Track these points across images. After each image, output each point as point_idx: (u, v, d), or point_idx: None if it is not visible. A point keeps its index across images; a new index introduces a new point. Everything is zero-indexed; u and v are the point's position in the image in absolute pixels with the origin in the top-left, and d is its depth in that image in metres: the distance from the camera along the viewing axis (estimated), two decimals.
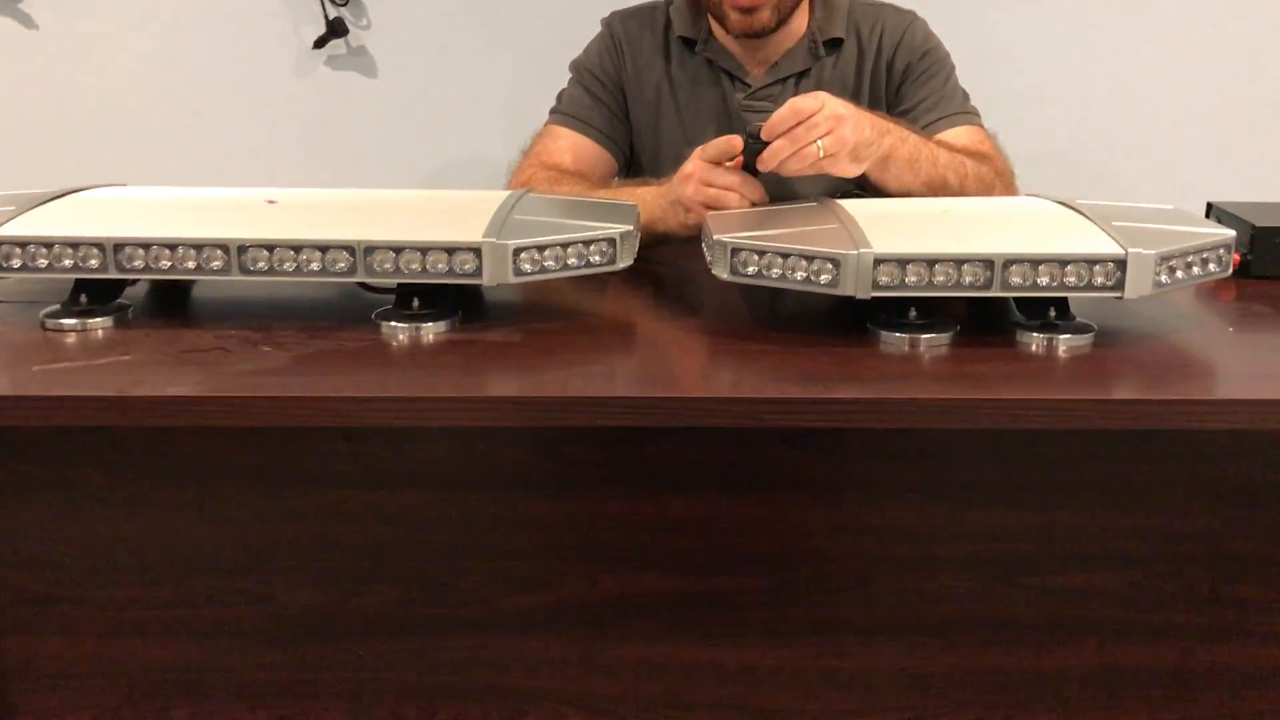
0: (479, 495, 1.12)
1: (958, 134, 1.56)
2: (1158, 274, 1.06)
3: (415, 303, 1.13)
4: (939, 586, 1.12)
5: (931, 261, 1.05)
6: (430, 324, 1.11)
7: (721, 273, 1.11)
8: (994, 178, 1.49)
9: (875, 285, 1.05)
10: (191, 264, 1.10)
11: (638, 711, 1.16)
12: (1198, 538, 1.11)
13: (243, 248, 1.09)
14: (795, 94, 1.41)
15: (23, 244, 1.10)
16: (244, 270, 1.10)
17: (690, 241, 1.36)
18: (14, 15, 2.25)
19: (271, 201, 1.21)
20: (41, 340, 1.10)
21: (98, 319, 1.13)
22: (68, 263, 1.11)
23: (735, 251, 1.09)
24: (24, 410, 0.98)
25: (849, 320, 1.14)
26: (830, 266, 1.06)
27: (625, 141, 1.70)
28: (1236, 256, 1.21)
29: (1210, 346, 1.15)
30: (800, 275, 1.07)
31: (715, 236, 1.11)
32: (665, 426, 1.05)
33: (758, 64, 1.65)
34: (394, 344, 1.09)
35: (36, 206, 1.18)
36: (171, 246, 1.10)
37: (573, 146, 1.65)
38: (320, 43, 2.25)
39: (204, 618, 1.14)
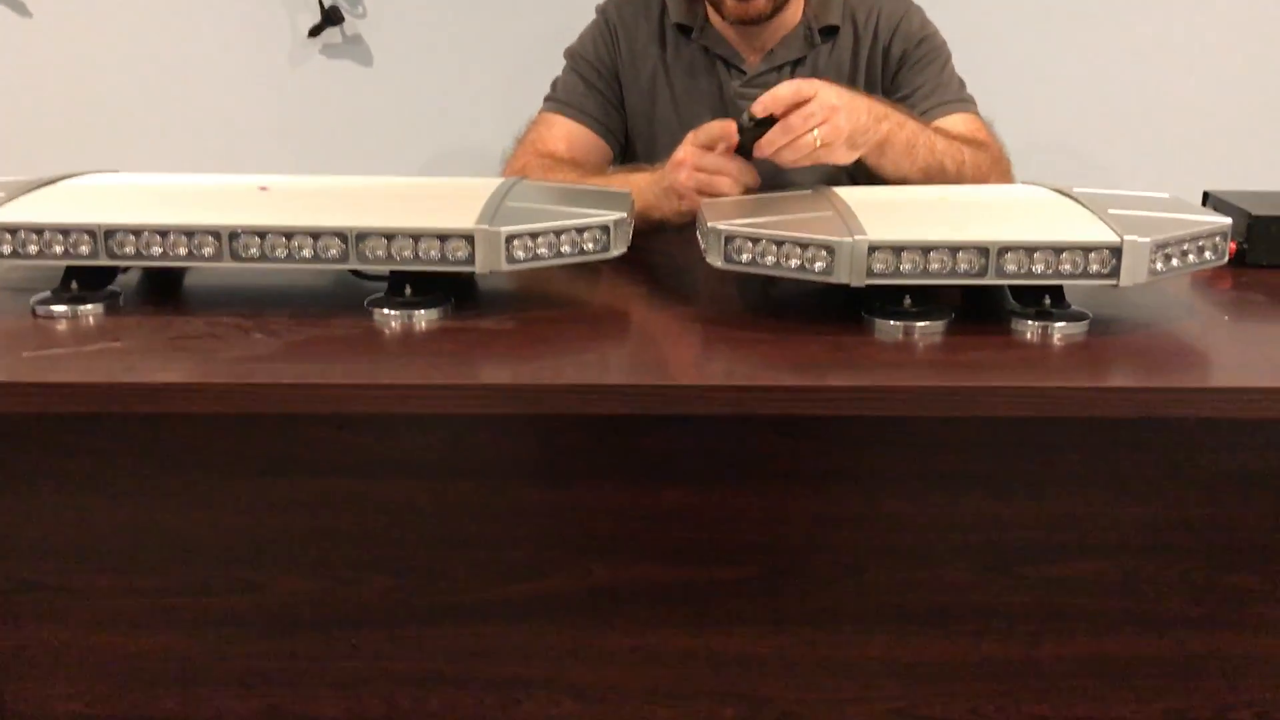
0: (472, 484, 1.11)
1: (954, 121, 1.56)
2: (1153, 262, 1.06)
3: (408, 290, 1.12)
4: (932, 575, 1.12)
5: (926, 249, 1.05)
6: (423, 311, 1.11)
7: (715, 260, 1.10)
8: (991, 165, 1.49)
9: (870, 272, 1.05)
10: (183, 250, 1.09)
11: (631, 700, 1.15)
12: (1193, 526, 1.11)
13: (234, 234, 1.08)
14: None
15: (13, 230, 1.10)
16: (235, 257, 1.09)
17: (685, 229, 1.35)
18: (7, 2, 2.25)
19: (264, 188, 1.21)
20: (32, 327, 1.10)
21: (89, 306, 1.13)
22: (58, 249, 1.10)
23: (729, 239, 1.09)
24: (14, 397, 0.97)
25: (843, 308, 1.14)
26: (825, 254, 1.05)
27: (620, 129, 1.69)
28: (1233, 245, 1.20)
29: (1206, 335, 1.14)
30: (794, 263, 1.07)
31: (709, 224, 1.10)
32: (658, 415, 1.05)
33: (753, 51, 1.64)
34: (386, 331, 1.09)
35: (27, 193, 1.18)
36: (163, 233, 1.09)
37: (567, 134, 1.64)
38: (315, 31, 2.25)
39: (195, 606, 1.14)
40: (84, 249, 1.10)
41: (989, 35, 2.17)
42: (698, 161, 1.31)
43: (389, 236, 1.07)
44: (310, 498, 1.11)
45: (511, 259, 1.08)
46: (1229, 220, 1.13)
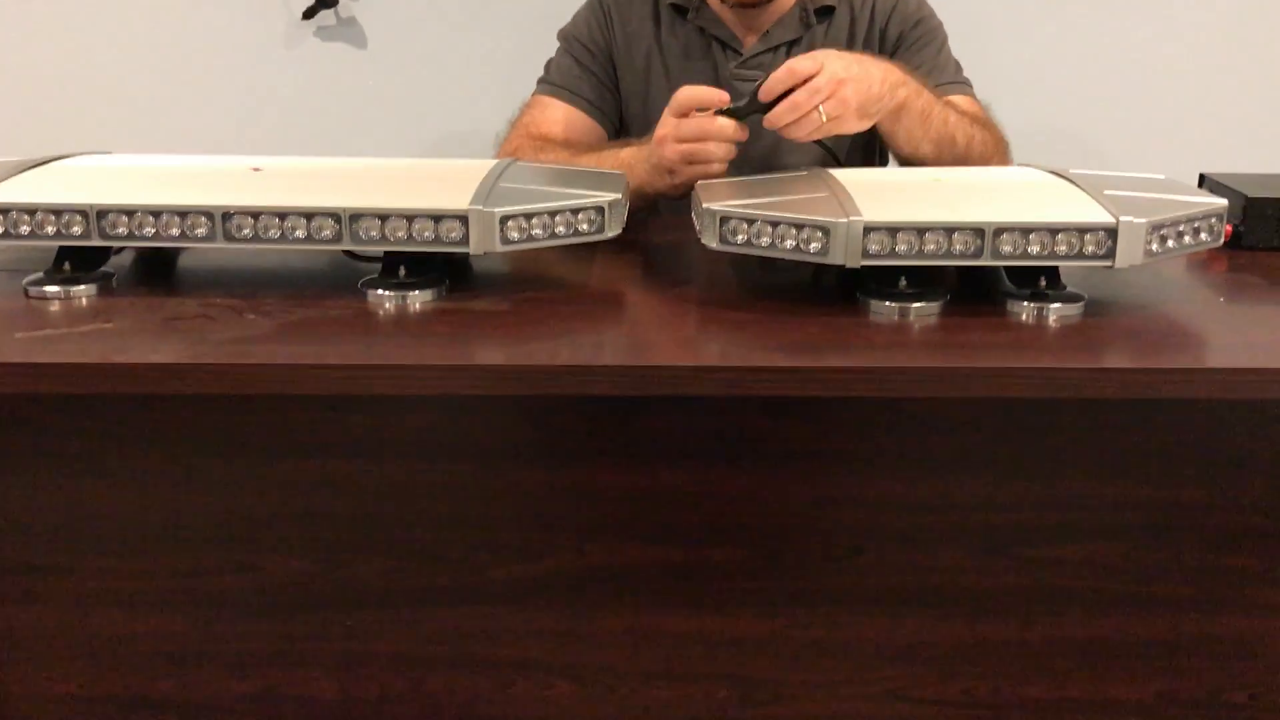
0: (466, 465, 1.11)
1: (954, 102, 1.55)
2: (1149, 243, 1.05)
3: (402, 271, 1.12)
4: (928, 557, 1.12)
5: (922, 230, 1.04)
6: (417, 293, 1.10)
7: (710, 241, 1.10)
8: (994, 146, 1.49)
9: (865, 254, 1.05)
10: (176, 231, 1.09)
11: (625, 681, 1.16)
12: (1188, 508, 1.11)
13: (227, 214, 1.08)
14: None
15: (5, 210, 1.09)
16: (228, 237, 1.08)
17: (681, 211, 1.35)
18: None
19: (257, 169, 1.20)
20: (24, 308, 1.09)
21: (81, 287, 1.12)
22: (51, 230, 1.09)
23: (724, 220, 1.09)
24: (6, 378, 0.97)
25: (839, 289, 1.14)
26: (820, 235, 1.05)
27: (614, 111, 1.69)
28: (1229, 228, 1.20)
29: (1201, 316, 1.14)
30: (790, 244, 1.07)
31: (704, 205, 1.10)
32: (653, 396, 1.05)
33: (750, 32, 1.63)
34: (380, 313, 1.09)
35: (19, 173, 1.17)
36: (156, 213, 1.08)
37: (561, 117, 1.64)
38: (309, 14, 2.24)
39: (190, 588, 1.13)
40: (76, 229, 1.09)
41: (986, 18, 2.16)
42: (677, 132, 1.31)
43: (383, 217, 1.07)
44: (304, 479, 1.11)
45: (506, 240, 1.08)
46: (1225, 202, 1.13)
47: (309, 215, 1.07)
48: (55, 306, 1.10)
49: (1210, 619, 1.14)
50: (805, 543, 1.12)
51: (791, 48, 1.62)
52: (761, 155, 1.57)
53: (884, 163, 1.74)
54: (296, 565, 1.13)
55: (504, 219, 1.07)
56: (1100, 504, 1.11)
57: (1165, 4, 2.22)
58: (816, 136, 1.27)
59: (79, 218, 1.09)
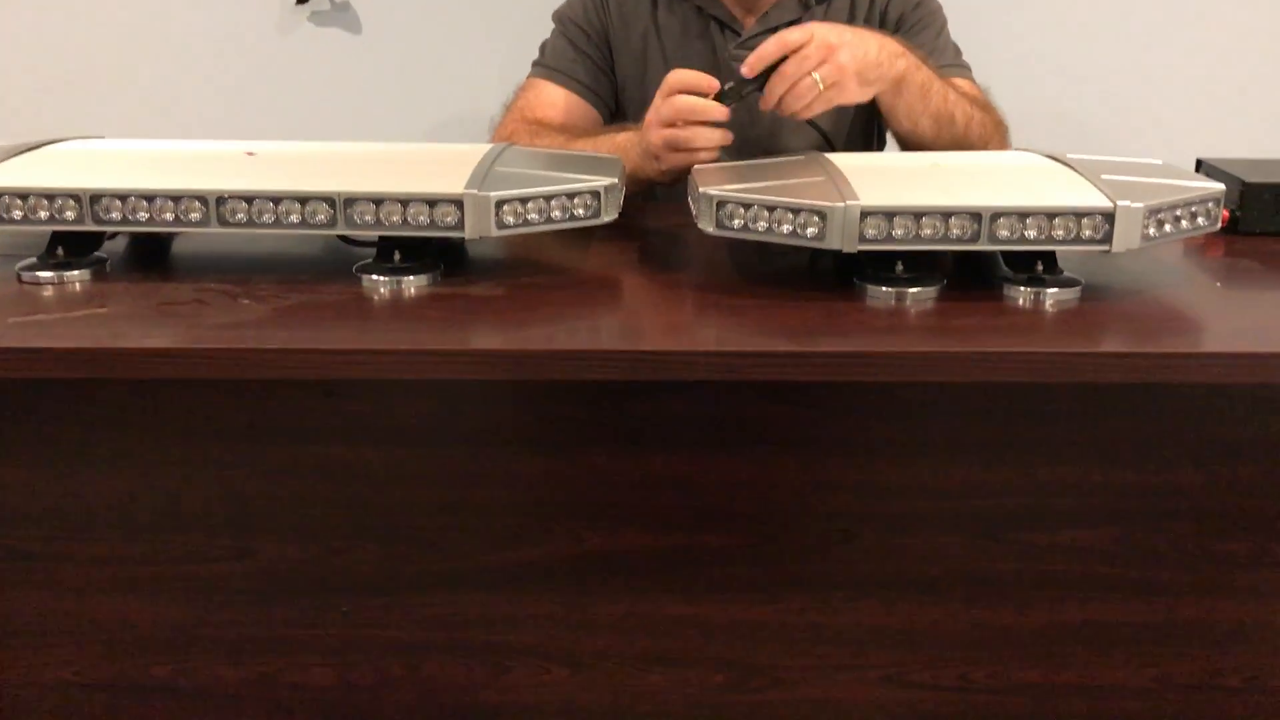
0: (462, 450, 1.11)
1: (953, 83, 1.54)
2: (1146, 227, 1.05)
3: (396, 256, 1.12)
4: (923, 542, 1.12)
5: (918, 214, 1.04)
6: (412, 277, 1.10)
7: (707, 226, 1.09)
8: (993, 128, 1.49)
9: (862, 238, 1.04)
10: (169, 215, 1.08)
11: (621, 667, 1.16)
12: (1183, 493, 1.11)
13: (221, 199, 1.07)
14: None
15: None
16: (222, 222, 1.08)
17: (678, 195, 1.34)
18: None
19: (251, 154, 1.20)
20: (17, 293, 1.09)
21: (75, 272, 1.12)
22: (44, 215, 1.09)
23: (721, 205, 1.08)
24: (0, 363, 0.96)
25: (836, 274, 1.13)
26: (817, 219, 1.05)
27: (610, 94, 1.68)
28: (1225, 213, 1.20)
29: (1198, 301, 1.14)
30: (786, 228, 1.06)
31: (700, 189, 1.09)
32: (650, 381, 1.05)
33: (748, 13, 1.62)
34: (375, 297, 1.08)
35: (11, 158, 1.16)
36: (149, 198, 1.08)
37: (556, 101, 1.63)
38: None
39: (186, 574, 1.13)
40: (70, 214, 1.09)
41: (985, 2, 2.16)
42: (659, 115, 1.30)
43: (377, 202, 1.06)
44: (299, 464, 1.11)
45: (501, 224, 1.07)
46: (1222, 186, 1.13)
47: (303, 200, 1.07)
48: (49, 292, 1.09)
49: (1205, 603, 1.14)
50: (802, 528, 1.12)
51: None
52: (758, 140, 1.56)
53: (882, 147, 1.73)
54: (292, 551, 1.13)
55: (499, 203, 1.06)
56: (1096, 489, 1.11)
57: None
58: (818, 109, 1.25)
59: (72, 202, 1.08)
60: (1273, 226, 1.33)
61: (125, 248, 1.23)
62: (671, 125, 1.30)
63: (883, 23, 1.62)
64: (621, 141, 1.42)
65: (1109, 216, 1.04)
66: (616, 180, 1.13)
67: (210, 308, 1.04)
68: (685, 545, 1.13)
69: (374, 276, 1.10)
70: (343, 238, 1.18)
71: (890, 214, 1.04)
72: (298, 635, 1.15)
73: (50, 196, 1.08)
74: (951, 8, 1.66)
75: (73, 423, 1.10)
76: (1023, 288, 1.08)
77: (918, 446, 1.10)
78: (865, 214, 1.04)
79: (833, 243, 1.04)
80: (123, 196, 1.08)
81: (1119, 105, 2.27)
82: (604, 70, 1.66)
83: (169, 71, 2.27)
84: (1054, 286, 1.08)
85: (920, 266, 1.09)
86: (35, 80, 2.27)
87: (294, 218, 1.07)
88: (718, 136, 1.30)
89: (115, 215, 1.08)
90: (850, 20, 1.62)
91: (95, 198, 1.08)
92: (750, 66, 1.25)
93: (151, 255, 1.22)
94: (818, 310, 1.06)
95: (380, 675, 1.16)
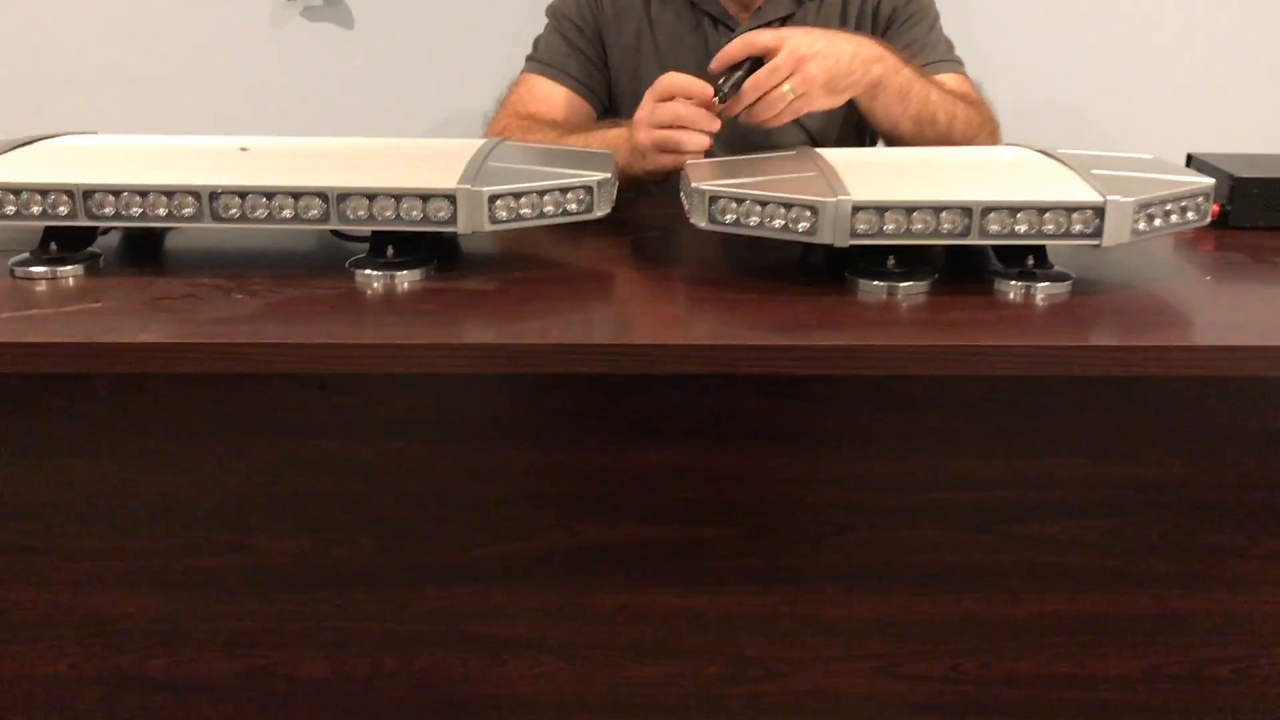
0: (456, 444, 1.11)
1: (943, 81, 1.55)
2: (1136, 222, 1.06)
3: (390, 251, 1.12)
4: (916, 535, 1.13)
5: (910, 209, 1.04)
6: (405, 272, 1.10)
7: (699, 221, 1.10)
8: (981, 124, 1.49)
9: (853, 233, 1.05)
10: (163, 211, 1.08)
11: (615, 659, 1.16)
12: (1174, 485, 1.11)
13: (214, 194, 1.07)
14: None
15: None
16: (216, 217, 1.08)
17: (671, 192, 1.35)
18: None
19: (244, 149, 1.20)
20: (10, 288, 1.09)
21: (68, 267, 1.12)
22: (36, 210, 1.09)
23: (713, 200, 1.09)
24: None
25: (827, 269, 1.14)
26: (808, 214, 1.05)
27: (603, 90, 1.68)
28: (1216, 207, 1.20)
29: (1188, 295, 1.15)
30: (778, 223, 1.07)
31: (693, 184, 1.10)
32: (643, 374, 1.05)
33: (741, 8, 1.63)
34: (368, 292, 1.08)
35: (4, 153, 1.16)
36: (142, 193, 1.08)
37: (549, 96, 1.63)
38: None
39: (179, 568, 1.13)
40: (63, 209, 1.09)
41: None
42: (652, 117, 1.30)
43: (370, 197, 1.07)
44: (293, 458, 1.11)
45: (494, 219, 1.07)
46: (1212, 181, 1.13)
47: (296, 195, 1.07)
48: (42, 287, 1.09)
49: (1194, 595, 1.15)
50: (794, 520, 1.13)
51: (783, 24, 1.61)
52: (750, 134, 1.56)
53: (875, 142, 1.74)
54: (286, 545, 1.13)
55: (492, 198, 1.07)
56: (1086, 481, 1.11)
57: None
58: (786, 118, 1.26)
59: (65, 198, 1.08)
60: (1263, 221, 1.33)
61: (118, 243, 1.23)
62: (660, 127, 1.30)
63: (875, 17, 1.62)
64: (613, 137, 1.43)
65: (1099, 211, 1.04)
66: (609, 175, 1.13)
67: (204, 303, 1.04)
68: (679, 538, 1.13)
69: (367, 271, 1.10)
70: (336, 233, 1.18)
71: (882, 209, 1.04)
72: (291, 628, 1.16)
73: (43, 192, 1.08)
74: (944, 2, 1.67)
75: (66, 417, 1.10)
76: (1014, 282, 1.09)
77: (910, 440, 1.11)
78: (857, 209, 1.04)
79: (824, 237, 1.05)
80: (116, 192, 1.08)
81: (1111, 101, 2.27)
82: (597, 65, 1.66)
83: (161, 67, 2.27)
84: (1045, 281, 1.09)
85: (911, 261, 1.10)
86: (28, 76, 2.27)
87: (287, 213, 1.08)
88: (706, 141, 1.30)
89: (108, 210, 1.08)
90: (843, 16, 1.62)
91: (88, 193, 1.08)
92: (718, 63, 1.25)
93: (145, 250, 1.22)
94: (810, 304, 1.06)
95: (375, 668, 1.17)
